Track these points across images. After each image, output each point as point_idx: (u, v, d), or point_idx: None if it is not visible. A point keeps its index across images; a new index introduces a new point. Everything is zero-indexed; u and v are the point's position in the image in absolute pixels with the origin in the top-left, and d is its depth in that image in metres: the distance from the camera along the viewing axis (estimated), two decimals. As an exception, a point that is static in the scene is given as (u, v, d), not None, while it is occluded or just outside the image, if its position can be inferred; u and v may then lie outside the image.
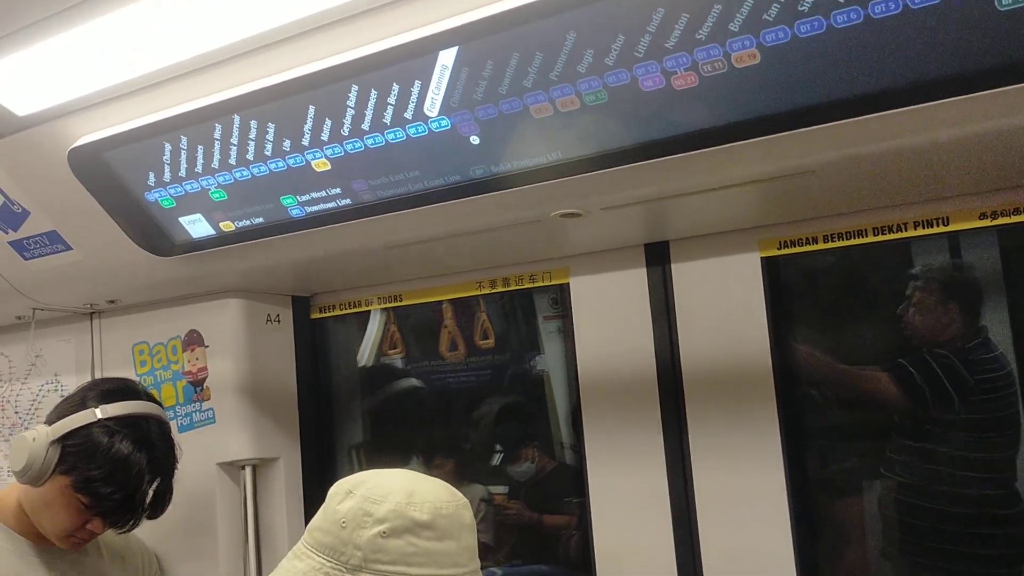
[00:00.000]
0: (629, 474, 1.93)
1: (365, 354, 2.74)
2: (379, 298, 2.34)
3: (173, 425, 2.17)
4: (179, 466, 1.89)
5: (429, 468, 2.73)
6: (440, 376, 2.85)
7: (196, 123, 1.63)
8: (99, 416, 1.73)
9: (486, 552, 2.52)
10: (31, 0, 1.43)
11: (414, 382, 2.80)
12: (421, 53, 1.38)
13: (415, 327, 2.82)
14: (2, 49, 1.56)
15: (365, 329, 2.63)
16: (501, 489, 2.76)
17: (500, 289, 2.15)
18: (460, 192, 1.57)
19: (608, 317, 1.98)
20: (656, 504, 1.90)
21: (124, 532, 1.84)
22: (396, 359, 2.77)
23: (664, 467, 1.89)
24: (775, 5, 1.17)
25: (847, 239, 1.73)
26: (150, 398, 1.90)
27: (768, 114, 1.30)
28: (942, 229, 1.64)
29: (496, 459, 2.82)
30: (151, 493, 1.78)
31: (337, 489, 1.25)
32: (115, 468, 1.71)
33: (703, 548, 1.84)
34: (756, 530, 1.80)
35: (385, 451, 2.72)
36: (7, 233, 2.09)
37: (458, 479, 2.66)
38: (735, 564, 1.82)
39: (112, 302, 2.36)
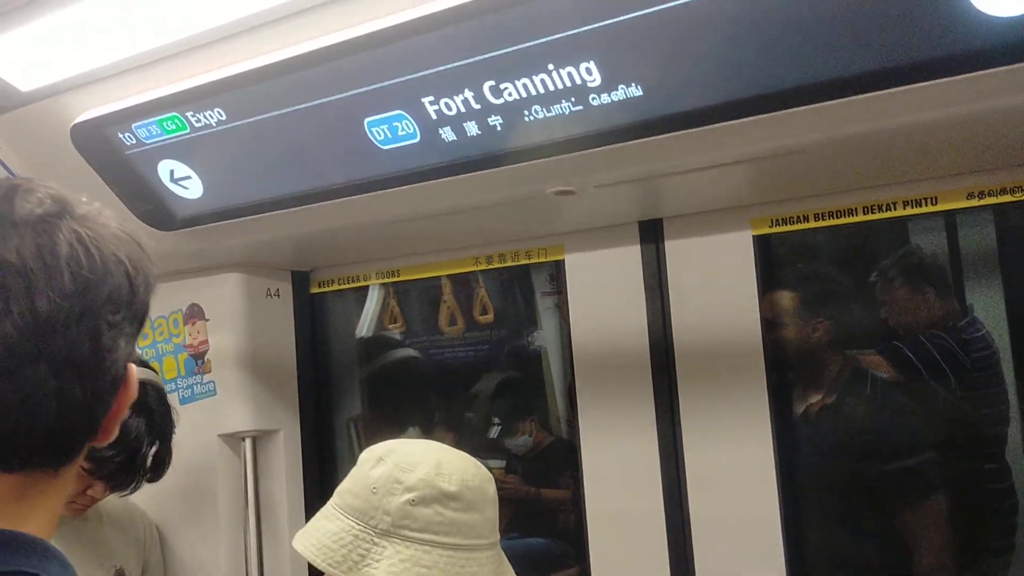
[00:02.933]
0: (621, 447, 1.97)
1: (364, 327, 2.78)
2: (377, 273, 2.37)
3: (175, 397, 2.22)
4: (180, 437, 1.93)
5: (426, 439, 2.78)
6: (439, 350, 2.89)
7: (197, 99, 1.65)
8: None
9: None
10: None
11: (411, 352, 2.84)
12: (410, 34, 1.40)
13: (415, 301, 2.86)
14: (6, 24, 1.58)
15: (364, 303, 2.66)
16: (498, 463, 2.80)
17: (496, 265, 2.18)
18: (458, 169, 1.60)
19: (602, 293, 2.02)
20: (647, 476, 1.93)
21: (125, 495, 1.88)
22: (396, 333, 2.81)
23: (656, 440, 1.93)
24: (765, -13, 1.19)
25: (837, 217, 1.76)
26: (145, 364, 1.94)
27: (759, 94, 1.32)
28: (931, 208, 1.67)
29: (494, 432, 2.86)
30: (150, 457, 1.83)
31: (368, 455, 1.30)
32: None
33: (693, 519, 1.88)
34: (745, 502, 1.84)
35: (382, 423, 2.77)
36: (10, 207, 2.11)
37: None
38: (724, 535, 1.86)
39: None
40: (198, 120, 1.69)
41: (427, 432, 2.78)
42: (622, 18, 1.29)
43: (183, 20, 1.56)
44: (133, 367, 0.83)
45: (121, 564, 2.02)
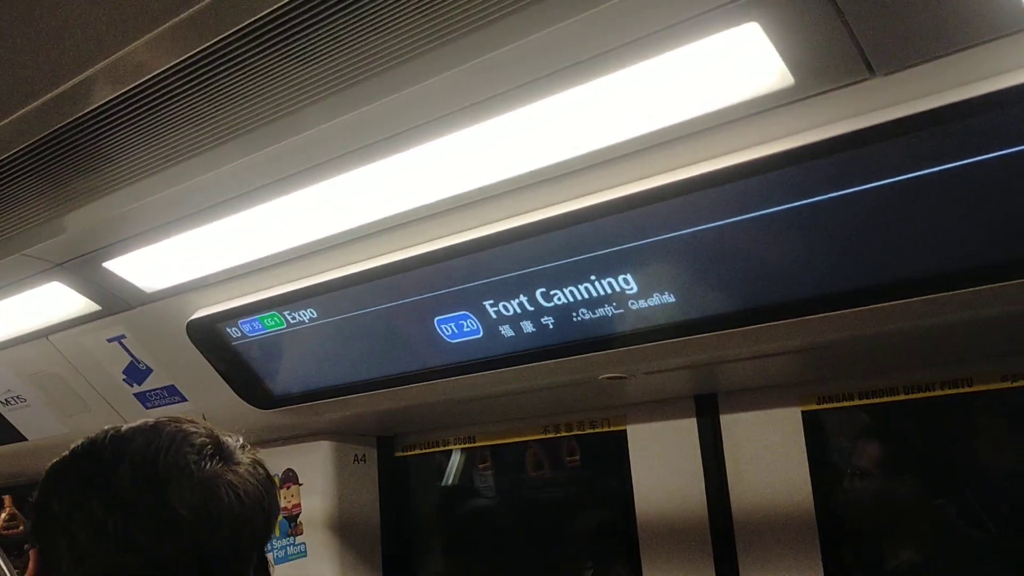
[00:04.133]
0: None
1: (451, 474, 2.86)
2: (455, 439, 2.54)
3: (269, 558, 2.39)
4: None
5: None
6: (528, 493, 2.89)
7: (293, 301, 1.90)
8: None
9: None
10: (157, 209, 1.72)
11: (488, 501, 2.89)
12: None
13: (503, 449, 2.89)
14: (136, 243, 1.87)
15: (444, 466, 2.79)
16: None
17: (564, 434, 2.32)
18: (516, 360, 1.77)
19: (662, 463, 2.13)
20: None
21: None
22: (487, 475, 2.87)
23: (718, 609, 1.99)
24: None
25: (880, 396, 1.85)
26: None
27: (781, 301, 1.47)
28: (966, 389, 1.74)
29: None
30: None
31: None
32: None
33: None
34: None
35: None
36: (132, 386, 2.39)
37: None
38: None
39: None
40: (293, 317, 1.93)
41: None
42: (654, 239, 1.47)
43: (284, 234, 1.81)
44: None
45: None
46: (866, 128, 1.21)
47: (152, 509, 0.88)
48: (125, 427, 0.96)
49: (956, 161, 1.22)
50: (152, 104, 1.29)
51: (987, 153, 1.19)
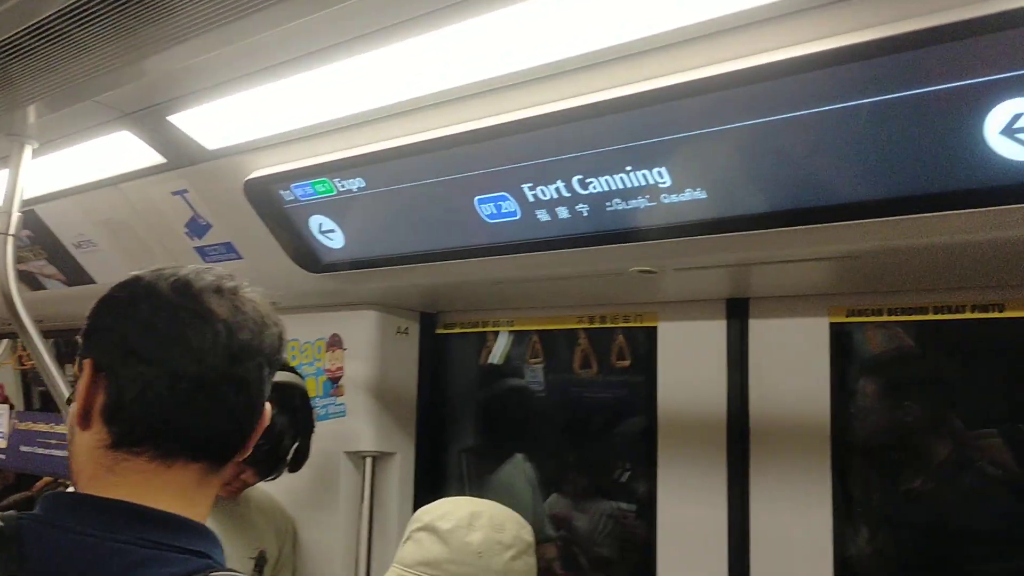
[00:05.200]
0: (694, 510, 2.12)
1: (497, 355, 2.94)
2: (495, 322, 2.63)
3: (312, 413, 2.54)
4: (313, 450, 2.26)
5: (545, 475, 2.94)
6: (571, 390, 2.97)
7: (343, 169, 1.96)
8: None
9: (608, 566, 2.75)
10: (220, 65, 1.79)
11: (524, 382, 2.98)
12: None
13: (557, 340, 2.96)
14: (199, 98, 1.95)
15: (484, 345, 2.88)
16: (630, 506, 2.90)
17: (597, 326, 2.38)
18: (552, 245, 1.82)
19: (689, 362, 2.18)
20: (715, 540, 2.07)
21: (270, 480, 2.24)
22: (538, 368, 2.96)
23: (725, 507, 2.06)
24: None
25: (910, 314, 1.85)
26: (293, 371, 2.28)
27: (820, 205, 1.47)
28: (997, 315, 1.74)
29: (622, 476, 2.98)
30: (292, 450, 2.20)
31: (453, 522, 1.47)
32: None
33: (752, 580, 2.01)
34: (802, 571, 1.94)
35: (495, 452, 2.96)
36: (193, 240, 2.52)
37: (588, 493, 2.84)
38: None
39: (274, 303, 2.76)
40: (342, 185, 2.00)
41: (538, 463, 2.94)
42: (689, 134, 1.49)
43: (337, 102, 1.86)
44: (268, 404, 1.14)
45: (264, 547, 2.35)
46: (908, 32, 1.19)
47: (193, 311, 1.03)
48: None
49: (1000, 73, 1.19)
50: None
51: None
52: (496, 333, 2.79)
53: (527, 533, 1.54)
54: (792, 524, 1.96)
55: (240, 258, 2.46)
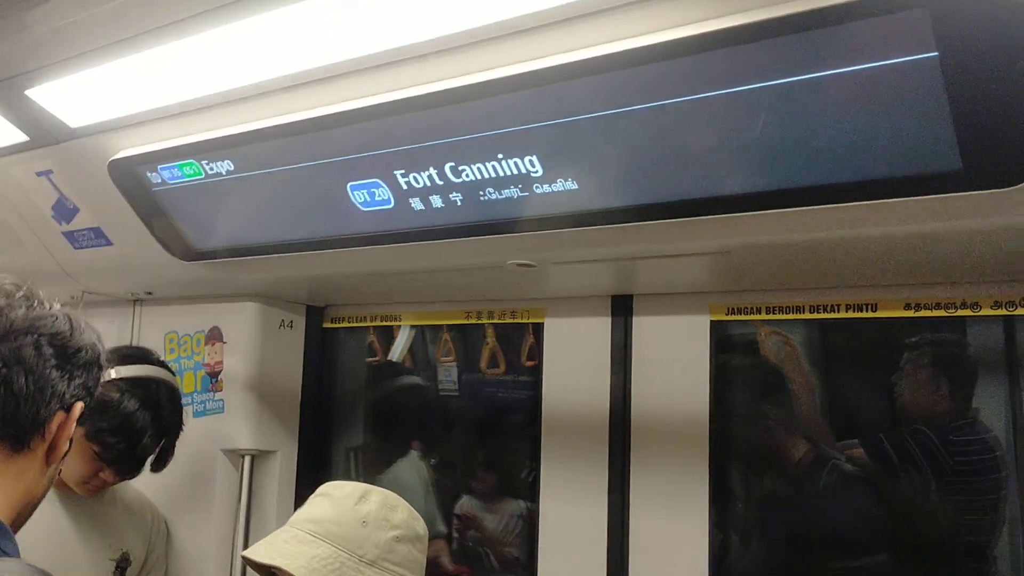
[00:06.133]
0: (575, 510, 2.08)
1: (396, 353, 2.85)
2: (383, 316, 2.55)
3: (188, 410, 2.43)
4: (188, 447, 2.16)
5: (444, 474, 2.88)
6: (478, 388, 2.90)
7: (210, 150, 1.86)
8: (113, 376, 2.00)
9: (517, 567, 2.69)
10: (80, 33, 1.67)
11: (417, 380, 2.90)
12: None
13: (465, 339, 2.89)
14: (60, 71, 1.82)
15: (372, 342, 2.79)
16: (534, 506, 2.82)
17: (485, 321, 2.33)
18: (426, 235, 1.75)
19: (574, 359, 2.14)
20: (595, 540, 2.03)
21: (131, 478, 2.12)
22: (449, 367, 2.88)
23: (606, 507, 2.03)
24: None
25: (787, 313, 1.84)
26: (162, 365, 2.17)
27: (690, 198, 1.43)
28: (870, 315, 1.74)
29: (531, 476, 2.93)
30: (156, 449, 2.07)
31: (346, 491, 1.49)
32: (121, 422, 1.98)
33: (630, 582, 1.97)
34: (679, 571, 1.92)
35: (387, 451, 2.88)
36: (61, 224, 2.38)
37: (499, 493, 2.78)
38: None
39: (149, 293, 2.64)
40: (211, 168, 1.90)
41: (438, 462, 2.87)
42: (559, 121, 1.44)
43: (208, 79, 1.76)
44: (77, 410, 1.11)
45: (128, 548, 2.23)
46: (785, 16, 1.15)
47: None
48: None
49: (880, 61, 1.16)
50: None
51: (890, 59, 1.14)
52: (385, 328, 2.71)
53: (420, 526, 1.52)
54: (670, 524, 1.94)
55: (111, 244, 2.33)
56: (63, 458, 1.14)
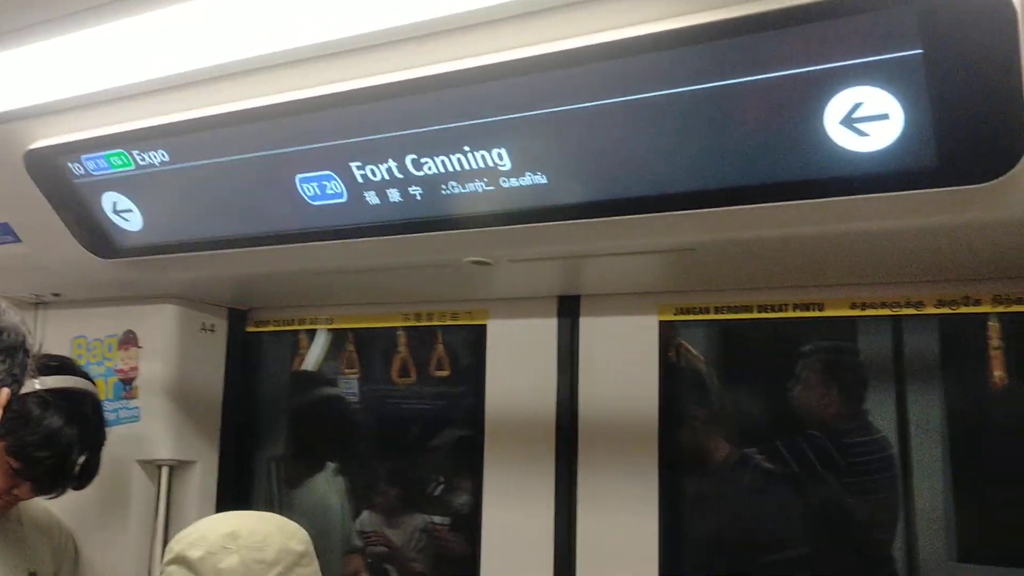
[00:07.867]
0: (520, 516, 2.04)
1: (310, 363, 2.77)
2: (312, 320, 2.45)
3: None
4: (102, 458, 1.99)
5: (355, 485, 2.80)
6: (391, 400, 2.84)
7: (143, 139, 1.75)
8: (37, 387, 1.85)
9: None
10: (4, 12, 1.55)
11: (338, 391, 2.83)
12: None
13: (373, 349, 2.83)
14: (-30, 52, 1.68)
15: (299, 347, 2.70)
16: (443, 520, 2.79)
17: (424, 323, 2.27)
18: (381, 230, 1.69)
19: (519, 361, 2.11)
20: (541, 546, 2.00)
21: (49, 498, 1.96)
22: (352, 380, 2.80)
23: (552, 512, 2.00)
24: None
25: (735, 312, 1.87)
26: (86, 376, 2.01)
27: (650, 195, 1.43)
28: (817, 314, 1.78)
29: (437, 490, 2.88)
30: (79, 465, 1.91)
31: (204, 551, 1.30)
32: (48, 436, 1.84)
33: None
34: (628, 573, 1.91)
35: (306, 463, 2.79)
36: (-39, 219, 2.19)
37: (402, 506, 2.72)
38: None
39: (57, 295, 2.46)
40: (143, 159, 1.78)
41: (347, 471, 2.79)
42: (531, 113, 1.41)
43: (138, 64, 1.65)
44: (4, 396, 1.08)
45: (35, 568, 2.06)
46: (747, 16, 1.16)
47: None
48: None
49: (841, 60, 1.19)
50: None
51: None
52: (311, 335, 2.61)
53: (296, 542, 1.38)
54: (618, 528, 1.93)
55: (19, 241, 2.16)
56: None
